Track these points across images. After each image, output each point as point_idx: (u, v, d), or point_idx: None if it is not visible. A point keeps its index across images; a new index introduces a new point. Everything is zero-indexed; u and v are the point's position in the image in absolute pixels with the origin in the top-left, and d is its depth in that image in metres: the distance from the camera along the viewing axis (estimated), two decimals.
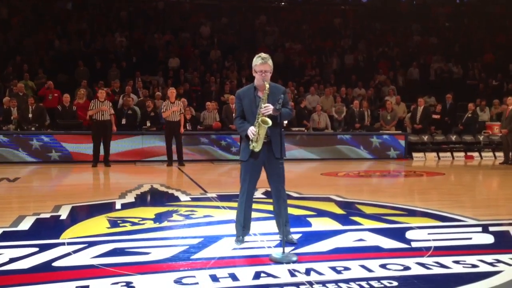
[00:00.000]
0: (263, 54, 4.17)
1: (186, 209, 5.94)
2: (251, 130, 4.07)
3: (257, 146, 4.08)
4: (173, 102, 11.20)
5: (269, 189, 4.34)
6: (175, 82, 15.57)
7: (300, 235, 4.54)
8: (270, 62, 4.11)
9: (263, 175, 4.27)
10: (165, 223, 5.14)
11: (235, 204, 4.32)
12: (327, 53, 19.60)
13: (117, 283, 3.24)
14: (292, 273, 3.43)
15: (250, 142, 4.09)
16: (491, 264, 3.67)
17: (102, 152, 11.14)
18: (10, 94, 13.46)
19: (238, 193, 4.33)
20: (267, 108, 3.99)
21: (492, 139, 14.47)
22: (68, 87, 14.16)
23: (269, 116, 4.00)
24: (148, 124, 12.72)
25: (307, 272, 3.46)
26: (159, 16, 20.61)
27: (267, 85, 4.05)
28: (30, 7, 19.32)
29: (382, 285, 3.21)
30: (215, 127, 13.09)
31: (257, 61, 4.11)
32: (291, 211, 5.37)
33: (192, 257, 3.86)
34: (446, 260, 3.74)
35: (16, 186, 8.20)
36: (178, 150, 11.47)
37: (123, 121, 12.61)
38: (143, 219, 5.34)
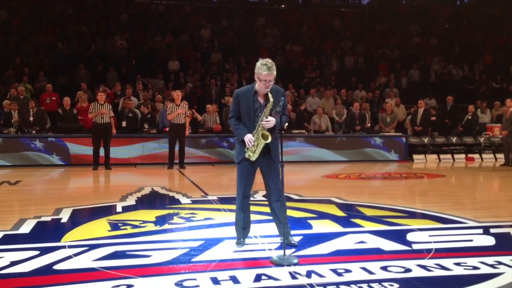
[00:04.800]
0: (269, 62, 3.98)
1: (187, 211, 5.93)
2: (249, 139, 4.03)
3: (253, 156, 4.06)
4: (179, 105, 11.19)
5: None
6: (176, 85, 15.58)
7: (301, 237, 4.53)
8: (275, 71, 3.97)
9: (260, 177, 4.27)
10: (166, 226, 5.14)
11: (235, 207, 4.31)
12: (327, 55, 19.61)
13: (118, 286, 3.24)
14: (293, 276, 3.43)
15: (246, 149, 4.07)
16: (492, 266, 3.66)
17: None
18: (11, 97, 13.47)
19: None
20: (269, 122, 3.97)
21: (492, 141, 14.47)
22: (68, 90, 14.17)
23: (268, 129, 3.99)
24: (146, 126, 12.72)
25: (308, 274, 3.46)
26: (159, 18, 20.64)
27: (271, 99, 3.95)
28: (30, 9, 19.35)
29: (383, 287, 3.20)
30: (215, 129, 13.10)
31: (262, 69, 3.94)
32: (292, 213, 5.38)
33: (193, 259, 3.86)
34: (447, 262, 3.74)
35: (16, 189, 8.20)
36: (181, 153, 11.46)
37: (124, 124, 12.62)
38: (144, 221, 5.34)
